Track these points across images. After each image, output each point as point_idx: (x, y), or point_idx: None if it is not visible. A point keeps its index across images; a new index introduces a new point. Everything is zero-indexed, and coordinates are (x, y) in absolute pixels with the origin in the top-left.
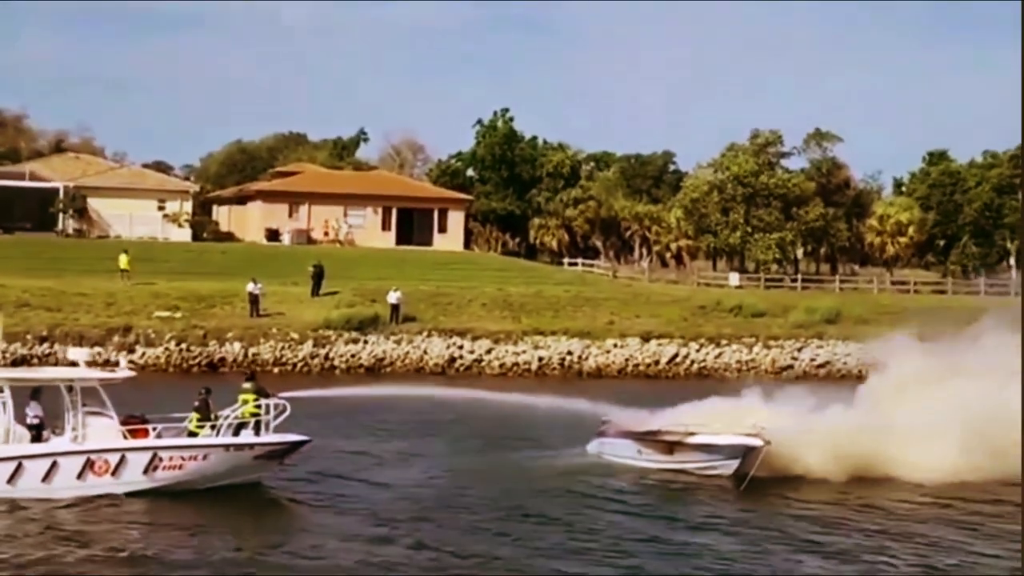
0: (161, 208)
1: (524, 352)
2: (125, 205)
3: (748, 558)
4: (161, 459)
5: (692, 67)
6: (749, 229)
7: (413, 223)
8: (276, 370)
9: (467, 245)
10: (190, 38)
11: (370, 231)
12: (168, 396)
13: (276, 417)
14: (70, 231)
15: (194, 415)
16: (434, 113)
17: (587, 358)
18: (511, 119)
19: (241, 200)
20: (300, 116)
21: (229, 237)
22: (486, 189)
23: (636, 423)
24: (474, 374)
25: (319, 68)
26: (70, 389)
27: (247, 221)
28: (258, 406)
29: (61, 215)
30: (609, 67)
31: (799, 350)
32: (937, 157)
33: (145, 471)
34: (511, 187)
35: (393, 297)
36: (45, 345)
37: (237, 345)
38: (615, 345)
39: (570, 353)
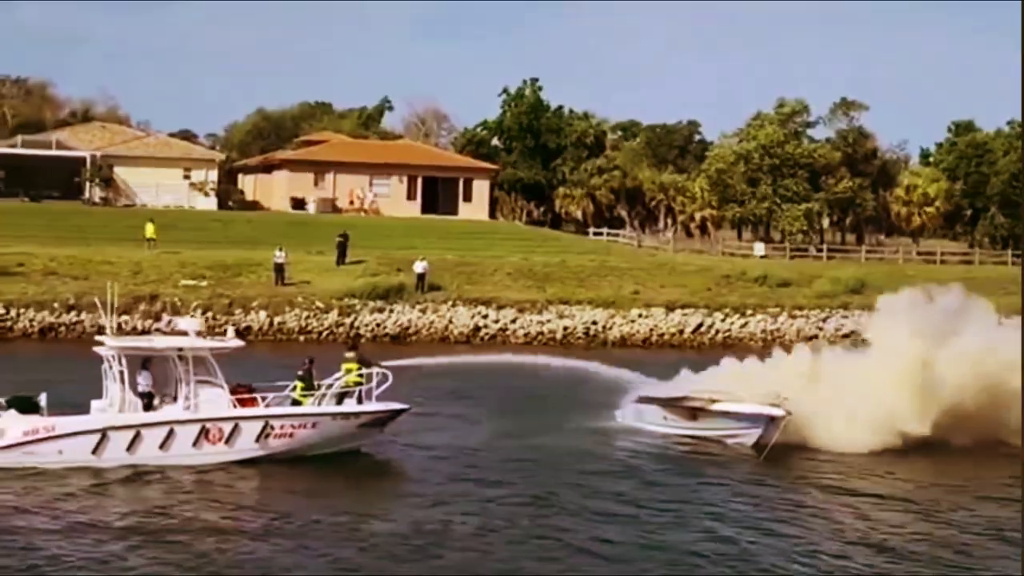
0: (187, 177)
1: (549, 321)
2: (151, 174)
3: (760, 525)
4: (273, 428)
5: (719, 36)
6: (777, 200)
7: (438, 192)
8: (302, 339)
9: (492, 214)
10: (214, 4)
11: (395, 200)
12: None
13: (378, 386)
14: (96, 200)
15: (299, 384)
16: (457, 82)
17: (611, 328)
18: (540, 88)
19: (267, 169)
20: (325, 85)
21: (255, 206)
22: (511, 159)
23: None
24: (499, 343)
25: (342, 36)
26: (182, 358)
27: (273, 190)
28: (361, 375)
29: (87, 184)
30: (635, 35)
31: (824, 320)
32: (963, 127)
33: (257, 439)
34: (536, 156)
35: (419, 266)
36: (72, 313)
37: (263, 314)
38: (640, 315)
39: (595, 322)
